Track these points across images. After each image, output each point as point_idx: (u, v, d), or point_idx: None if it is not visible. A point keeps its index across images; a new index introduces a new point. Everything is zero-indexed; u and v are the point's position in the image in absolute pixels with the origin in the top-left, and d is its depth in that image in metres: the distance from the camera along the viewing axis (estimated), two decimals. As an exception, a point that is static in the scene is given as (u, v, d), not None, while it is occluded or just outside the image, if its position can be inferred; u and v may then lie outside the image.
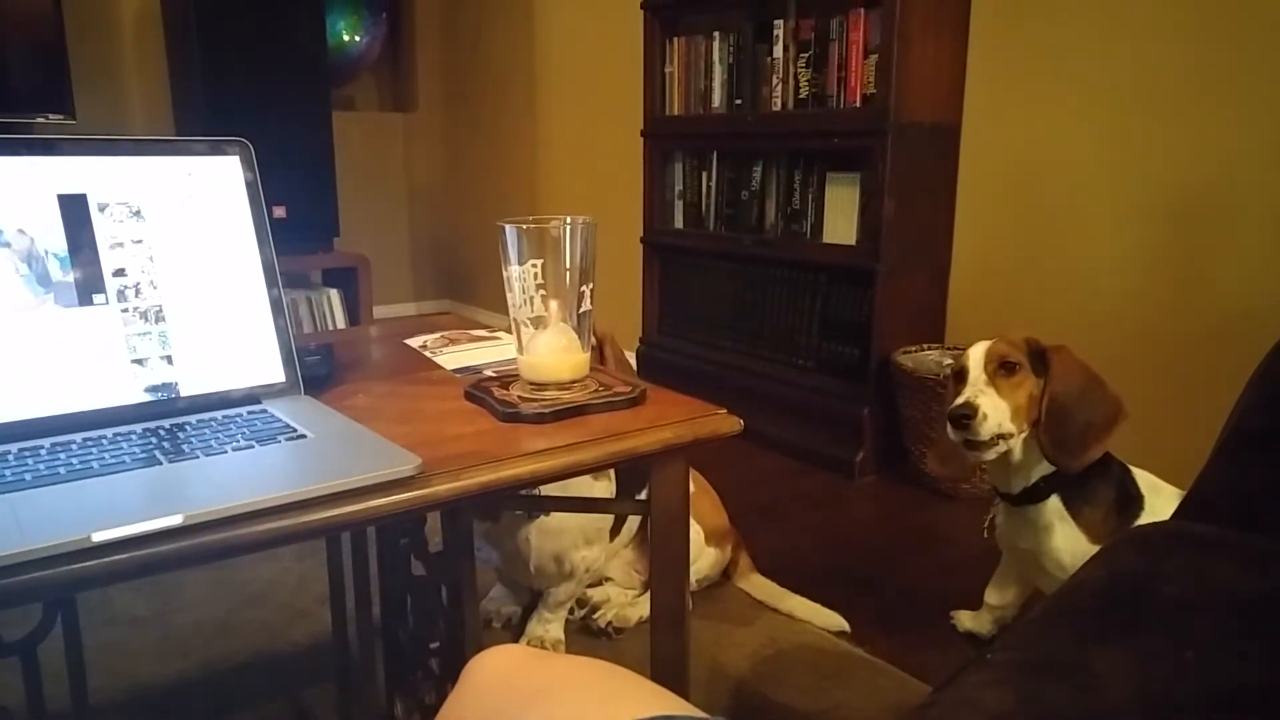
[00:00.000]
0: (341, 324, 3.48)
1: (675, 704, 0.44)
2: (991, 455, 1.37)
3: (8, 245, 0.73)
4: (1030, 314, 2.35)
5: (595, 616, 1.68)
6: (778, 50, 2.64)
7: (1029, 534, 1.43)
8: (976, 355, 1.39)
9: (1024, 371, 1.37)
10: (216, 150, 0.86)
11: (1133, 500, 1.38)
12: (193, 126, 3.42)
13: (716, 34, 2.85)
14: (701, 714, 0.42)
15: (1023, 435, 1.38)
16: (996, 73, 2.36)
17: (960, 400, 1.36)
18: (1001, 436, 1.35)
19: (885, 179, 2.36)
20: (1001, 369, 1.37)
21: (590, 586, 1.73)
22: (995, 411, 1.35)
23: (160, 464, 0.67)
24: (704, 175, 3.00)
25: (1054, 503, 1.39)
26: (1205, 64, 1.95)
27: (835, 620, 1.68)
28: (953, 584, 1.89)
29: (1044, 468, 1.39)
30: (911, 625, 1.71)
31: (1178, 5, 1.99)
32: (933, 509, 2.28)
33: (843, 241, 2.54)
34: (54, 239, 0.75)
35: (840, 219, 2.56)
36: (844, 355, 2.57)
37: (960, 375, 1.41)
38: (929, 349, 2.49)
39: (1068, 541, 1.38)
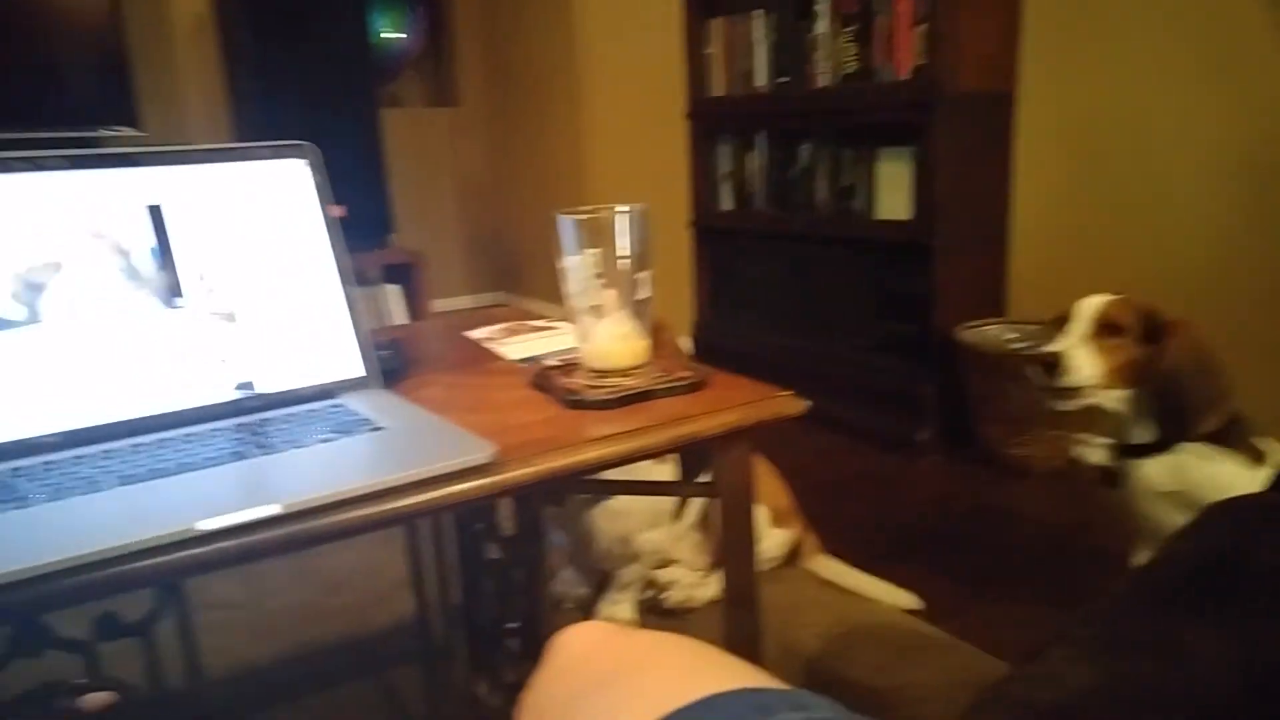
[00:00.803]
0: (402, 319, 3.55)
1: (758, 677, 0.44)
2: (1068, 407, 1.37)
3: (102, 255, 0.77)
4: (1098, 283, 2.29)
5: (663, 597, 1.70)
6: (821, 25, 2.61)
7: (1174, 476, 1.37)
8: (1086, 308, 1.38)
9: (1129, 337, 1.35)
10: (284, 154, 0.88)
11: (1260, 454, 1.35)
12: (249, 130, 3.51)
13: (758, 12, 2.82)
14: (785, 686, 0.43)
15: (1119, 395, 1.37)
16: (1054, 36, 2.30)
17: (1053, 347, 1.36)
18: (1081, 391, 1.35)
19: (938, 152, 2.32)
20: (1106, 328, 1.36)
21: (658, 568, 1.75)
22: (1086, 365, 1.34)
23: (252, 457, 0.70)
24: (750, 155, 2.99)
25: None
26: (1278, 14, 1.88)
27: (906, 598, 1.68)
28: (1025, 560, 1.86)
29: None
30: (985, 602, 1.70)
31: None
32: (1002, 485, 2.25)
33: (897, 217, 2.51)
34: (143, 247, 0.79)
35: (893, 194, 2.53)
36: (903, 332, 2.54)
37: (1060, 322, 1.40)
38: (992, 323, 2.45)
39: (1229, 469, 1.32)
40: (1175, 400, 1.31)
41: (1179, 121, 2.08)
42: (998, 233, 2.49)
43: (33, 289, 0.74)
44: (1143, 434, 1.38)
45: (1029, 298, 2.48)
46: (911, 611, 1.65)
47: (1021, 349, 2.27)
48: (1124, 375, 1.35)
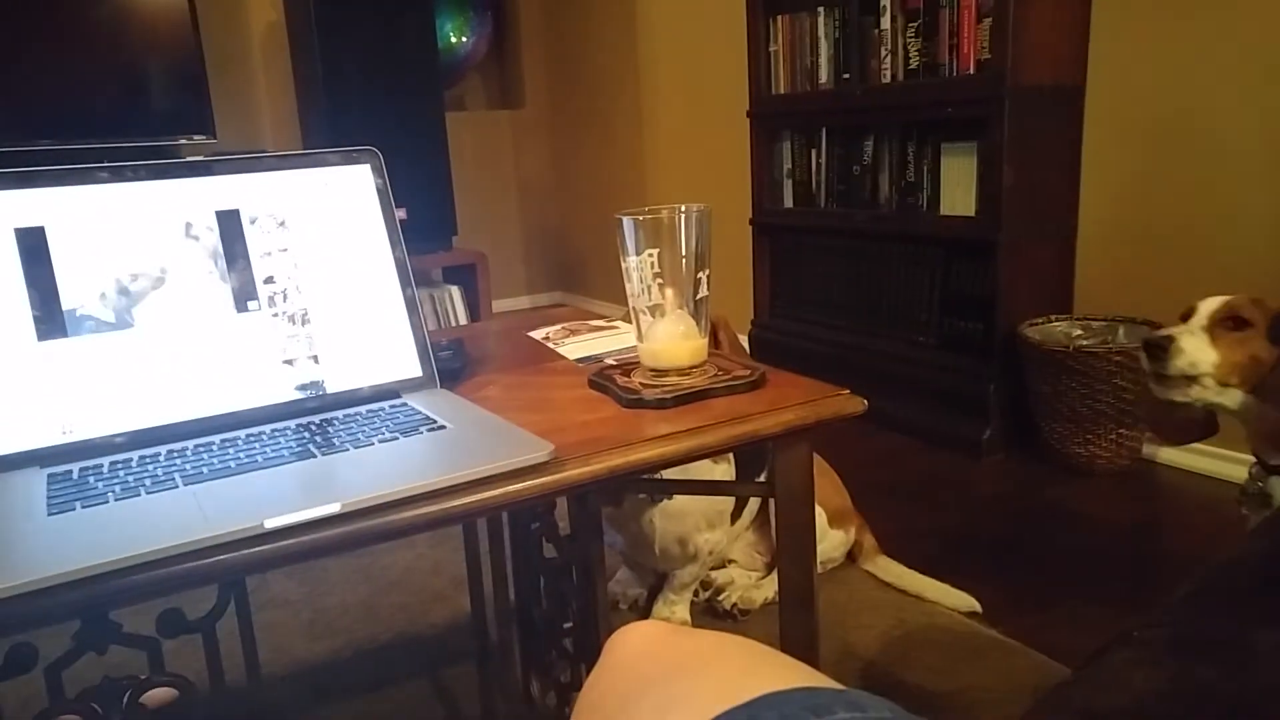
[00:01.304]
0: (463, 319, 3.61)
1: (814, 677, 0.44)
2: (1178, 396, 1.31)
3: (185, 262, 0.80)
4: (1168, 280, 2.23)
5: (720, 598, 1.70)
6: (885, 21, 2.57)
7: None
8: (1211, 302, 1.32)
9: (1255, 332, 1.28)
10: (349, 160, 0.91)
11: None
12: (317, 136, 3.60)
13: (821, 9, 2.79)
14: (840, 686, 0.43)
15: (1243, 395, 1.29)
16: (1125, 28, 2.23)
17: (1164, 332, 1.31)
18: (1192, 380, 1.29)
19: (1003, 146, 2.27)
20: (1230, 320, 1.29)
21: (714, 569, 1.75)
22: (1195, 352, 1.28)
23: (315, 456, 0.72)
24: (813, 153, 2.96)
25: None
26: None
27: (966, 600, 1.65)
28: (1088, 562, 1.82)
29: None
30: (1046, 605, 1.66)
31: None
32: (1065, 486, 2.20)
33: (961, 213, 2.46)
34: (215, 253, 0.82)
35: (958, 190, 2.48)
36: (966, 330, 2.49)
37: (1185, 316, 1.35)
38: (1057, 320, 2.39)
39: None
40: (1263, 423, 1.25)
41: (1249, 116, 2.00)
42: (1064, 229, 2.43)
43: (122, 295, 0.78)
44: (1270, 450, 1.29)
45: (1096, 295, 2.41)
46: (970, 614, 1.63)
47: (1088, 346, 2.21)
48: (1246, 372, 1.27)
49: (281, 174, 0.87)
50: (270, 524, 0.60)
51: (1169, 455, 2.25)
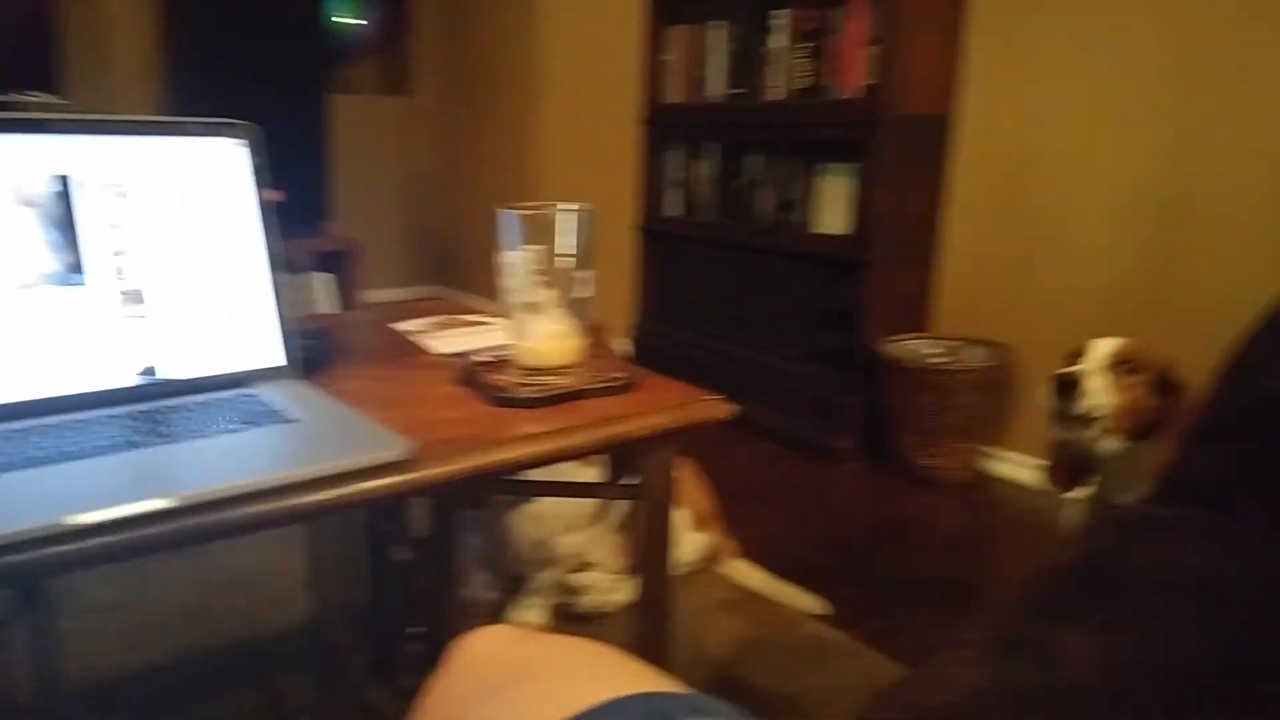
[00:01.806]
0: (332, 308, 3.48)
1: (661, 681, 0.44)
2: (1074, 437, 1.34)
3: (9, 224, 0.73)
4: (1017, 305, 2.37)
5: (577, 601, 1.70)
6: (777, 40, 2.64)
7: None
8: (1105, 344, 1.35)
9: (1144, 378, 1.33)
10: (215, 132, 0.85)
11: None
12: (184, 106, 3.39)
13: (717, 23, 2.84)
14: (686, 690, 0.43)
15: (1123, 444, 1.33)
16: (992, 66, 2.37)
17: (1070, 369, 1.32)
18: (1091, 421, 1.32)
19: (878, 170, 2.36)
20: (1124, 365, 1.33)
21: (573, 571, 1.74)
22: (1100, 394, 1.31)
23: (146, 447, 0.66)
24: (700, 163, 3.00)
25: None
26: (1196, 65, 1.97)
27: (814, 603, 1.70)
28: (933, 569, 1.91)
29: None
30: (891, 609, 1.73)
31: (1174, 9, 1.99)
32: (914, 495, 2.31)
33: (835, 231, 2.55)
34: (46, 219, 0.75)
35: (833, 209, 2.57)
36: (833, 344, 2.59)
37: (1076, 358, 1.37)
38: (914, 338, 2.51)
39: None
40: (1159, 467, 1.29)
41: (1098, 155, 2.17)
42: (927, 252, 2.55)
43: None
44: (1131, 495, 1.33)
45: (951, 316, 2.54)
46: (819, 617, 1.68)
47: (938, 364, 2.33)
48: (1134, 419, 1.31)
49: (135, 139, 0.81)
50: (74, 521, 0.54)
51: (1005, 469, 2.40)
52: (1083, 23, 2.16)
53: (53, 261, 0.75)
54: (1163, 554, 0.80)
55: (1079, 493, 1.46)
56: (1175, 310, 2.04)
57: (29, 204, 0.74)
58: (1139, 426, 1.32)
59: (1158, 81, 2.04)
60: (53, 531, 0.53)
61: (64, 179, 0.76)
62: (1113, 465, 1.36)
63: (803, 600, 1.71)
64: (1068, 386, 1.31)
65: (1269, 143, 1.87)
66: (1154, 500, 0.99)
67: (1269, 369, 0.90)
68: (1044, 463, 1.49)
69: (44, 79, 2.96)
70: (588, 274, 0.88)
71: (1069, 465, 1.44)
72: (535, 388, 0.86)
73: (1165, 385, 1.34)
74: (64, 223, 0.76)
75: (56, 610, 1.27)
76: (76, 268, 0.76)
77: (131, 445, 0.67)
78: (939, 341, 2.50)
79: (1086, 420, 1.32)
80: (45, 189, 0.75)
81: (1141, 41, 2.06)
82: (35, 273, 0.74)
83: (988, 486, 2.36)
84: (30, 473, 0.61)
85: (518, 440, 0.76)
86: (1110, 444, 1.33)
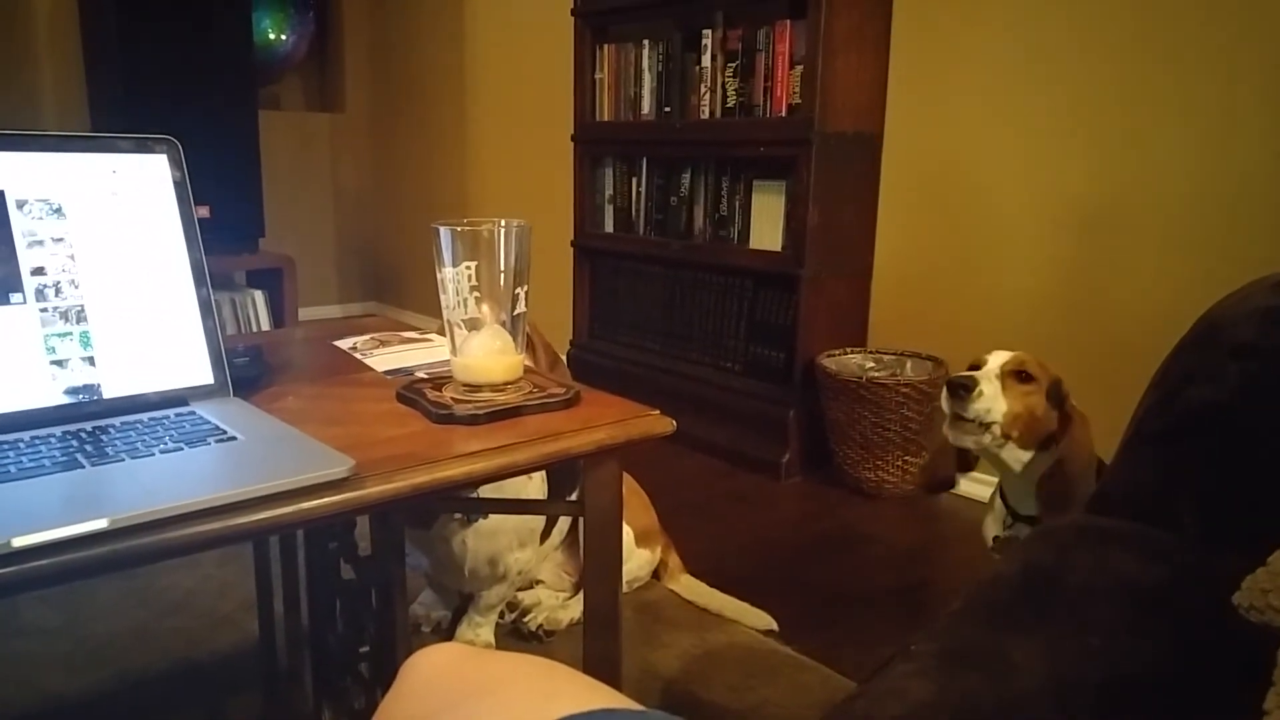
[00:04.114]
0: (266, 326, 3.40)
1: (613, 698, 0.45)
2: (969, 442, 1.38)
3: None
4: (949, 318, 2.44)
5: (526, 619, 1.68)
6: (706, 59, 2.68)
7: None
8: (999, 355, 1.40)
9: (1037, 388, 1.37)
10: (143, 148, 0.84)
11: None
12: (110, 123, 3.29)
13: (646, 42, 2.87)
14: (639, 707, 0.43)
15: (1018, 449, 1.38)
16: (916, 84, 2.44)
17: (965, 374, 1.37)
18: (987, 426, 1.36)
19: (809, 187, 2.41)
20: (1018, 375, 1.37)
21: (521, 590, 1.73)
22: (993, 399, 1.35)
23: (82, 467, 0.65)
24: (634, 181, 3.03)
25: None
26: (1118, 81, 2.06)
27: (763, 619, 1.72)
28: (877, 581, 1.94)
29: None
30: (838, 622, 1.76)
31: (1092, 27, 2.09)
32: (856, 508, 2.35)
33: (769, 247, 2.60)
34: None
35: (766, 225, 2.61)
36: (770, 358, 2.62)
37: (974, 366, 1.41)
38: (852, 352, 2.56)
39: None
40: (1059, 488, 1.33)
41: (1021, 170, 2.25)
42: (861, 267, 2.61)
43: None
44: (1034, 506, 1.39)
45: (888, 330, 2.60)
46: (767, 632, 1.69)
47: (878, 378, 2.38)
48: (1025, 426, 1.36)
49: (60, 156, 0.79)
50: (18, 543, 0.53)
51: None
52: (1004, 41, 2.24)
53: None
54: (1100, 565, 0.83)
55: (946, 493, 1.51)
56: (1103, 321, 2.13)
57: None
58: (1033, 436, 1.38)
59: (1079, 96, 2.12)
60: None
61: (0, 195, 0.74)
62: (1010, 474, 1.41)
63: (750, 615, 1.73)
64: (961, 389, 1.35)
65: (1191, 154, 1.96)
66: (1088, 511, 1.03)
67: (1198, 380, 0.95)
68: (918, 462, 1.52)
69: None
70: (524, 290, 0.89)
71: (938, 468, 1.50)
72: (475, 404, 0.86)
73: (1057, 397, 1.39)
74: (1, 240, 0.74)
75: None
76: (14, 285, 0.74)
77: (70, 466, 0.65)
78: (877, 355, 2.55)
79: (979, 424, 1.36)
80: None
81: (1062, 57, 2.14)
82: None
83: (931, 499, 2.41)
84: None
85: (459, 458, 0.76)
86: (1010, 452, 1.38)
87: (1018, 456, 1.39)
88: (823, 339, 2.53)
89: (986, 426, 1.36)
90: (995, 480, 1.48)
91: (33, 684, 1.48)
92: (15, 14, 3.47)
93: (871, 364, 2.53)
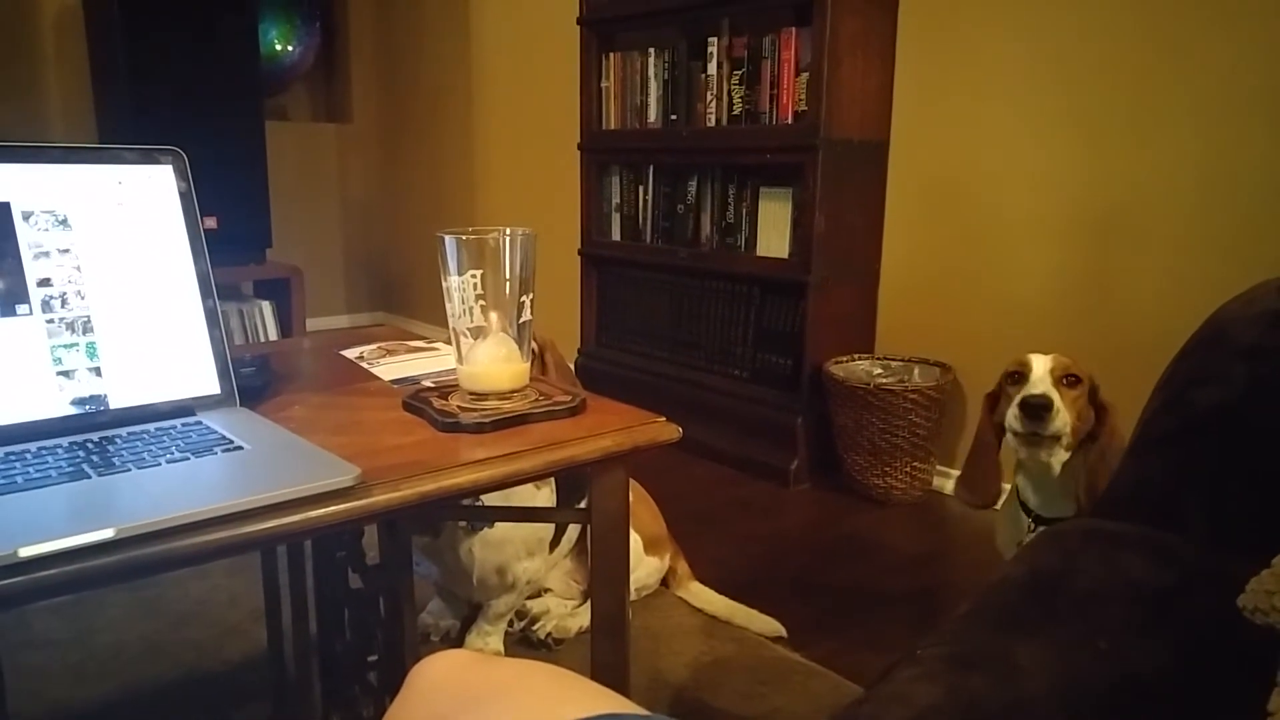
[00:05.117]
0: (274, 336, 3.41)
1: (621, 704, 0.45)
2: (1043, 456, 1.34)
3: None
4: (956, 324, 2.43)
5: (535, 628, 1.68)
6: (712, 67, 2.69)
7: None
8: (1043, 359, 1.35)
9: (1083, 390, 1.35)
10: (149, 159, 0.84)
11: None
12: (117, 135, 3.32)
13: (652, 50, 2.88)
14: (646, 713, 0.43)
15: (1064, 452, 1.34)
16: (923, 90, 2.44)
17: (1037, 390, 1.31)
18: (1058, 439, 1.32)
19: (816, 194, 2.41)
20: (1065, 379, 1.34)
21: (529, 598, 1.73)
22: (1064, 411, 1.31)
23: (89, 477, 0.65)
24: (640, 189, 3.04)
25: None
26: (1125, 84, 2.05)
27: (772, 626, 1.71)
28: (886, 587, 1.93)
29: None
30: (847, 629, 1.75)
31: (1099, 31, 2.08)
32: (865, 514, 2.34)
33: (775, 255, 2.59)
34: (-23, 248, 0.73)
35: (773, 232, 2.61)
36: (778, 365, 2.62)
37: (1017, 376, 1.37)
38: (859, 359, 2.55)
39: None
40: (1099, 480, 1.28)
41: (1028, 175, 2.25)
42: (868, 274, 2.61)
43: None
44: (1065, 507, 1.34)
45: (895, 336, 2.60)
46: (776, 639, 1.69)
47: (887, 384, 2.37)
48: (1078, 431, 1.33)
49: (67, 168, 0.80)
50: (26, 553, 0.53)
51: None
52: (1010, 45, 2.24)
53: (-7, 291, 0.73)
54: (1108, 567, 0.83)
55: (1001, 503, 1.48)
56: (1111, 324, 2.12)
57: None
58: (1078, 436, 1.35)
59: (1087, 100, 2.12)
60: (4, 563, 0.52)
61: (5, 206, 0.75)
62: (1046, 478, 1.37)
63: (760, 622, 1.72)
64: (1042, 410, 1.30)
65: (1199, 157, 1.95)
66: (1095, 514, 1.02)
67: (1206, 382, 0.95)
68: (961, 474, 1.50)
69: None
70: (529, 298, 0.89)
71: (989, 480, 1.43)
72: (482, 412, 0.86)
73: (1095, 396, 1.37)
74: (6, 251, 0.75)
75: (3, 646, 1.23)
76: (20, 297, 0.75)
77: (77, 476, 0.65)
78: (885, 362, 2.55)
79: (1055, 439, 1.32)
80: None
81: (1070, 61, 2.14)
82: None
83: (939, 504, 2.40)
84: None
85: (465, 466, 0.76)
86: (1058, 456, 1.35)
87: (1061, 459, 1.36)
88: (830, 345, 2.53)
89: (1059, 439, 1.32)
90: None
91: (43, 695, 1.48)
92: (22, 26, 3.50)
93: (879, 370, 2.53)
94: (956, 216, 2.41)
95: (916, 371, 2.49)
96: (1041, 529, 1.38)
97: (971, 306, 2.40)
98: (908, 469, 2.37)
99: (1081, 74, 2.12)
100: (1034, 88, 2.21)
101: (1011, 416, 1.34)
